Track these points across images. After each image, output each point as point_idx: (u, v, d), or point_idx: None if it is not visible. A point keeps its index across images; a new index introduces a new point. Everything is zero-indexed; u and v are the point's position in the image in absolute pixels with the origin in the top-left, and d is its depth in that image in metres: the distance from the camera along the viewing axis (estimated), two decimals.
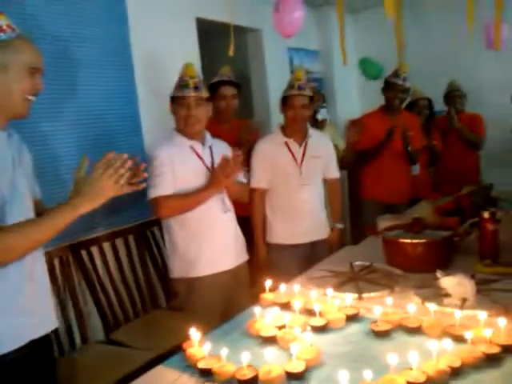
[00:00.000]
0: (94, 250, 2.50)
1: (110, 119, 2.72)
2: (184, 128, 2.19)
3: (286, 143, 2.67)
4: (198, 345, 1.39)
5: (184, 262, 2.23)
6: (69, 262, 2.36)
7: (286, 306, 1.68)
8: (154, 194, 2.13)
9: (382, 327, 1.47)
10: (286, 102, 2.63)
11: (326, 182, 2.85)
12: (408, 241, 1.98)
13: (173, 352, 1.47)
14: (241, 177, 2.39)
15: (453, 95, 3.97)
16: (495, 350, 1.27)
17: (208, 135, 2.29)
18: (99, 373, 1.99)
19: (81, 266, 2.43)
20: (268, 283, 1.77)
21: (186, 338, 1.43)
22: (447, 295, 1.65)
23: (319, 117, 3.86)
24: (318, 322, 1.53)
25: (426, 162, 3.71)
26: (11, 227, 1.28)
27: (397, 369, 1.18)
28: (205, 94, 2.21)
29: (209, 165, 2.23)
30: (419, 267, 1.92)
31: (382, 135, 3.28)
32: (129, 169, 1.38)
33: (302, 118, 2.62)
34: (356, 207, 3.55)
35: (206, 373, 1.30)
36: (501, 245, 2.00)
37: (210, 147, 2.28)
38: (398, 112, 3.39)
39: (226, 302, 2.23)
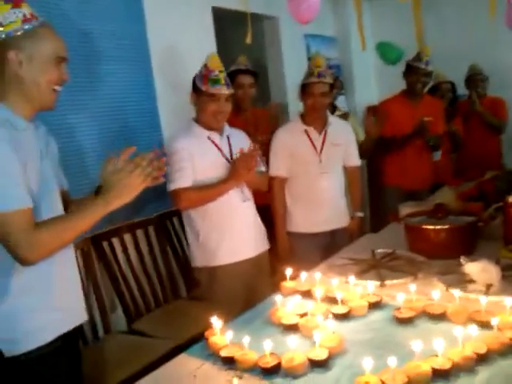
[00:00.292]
0: (115, 241, 2.51)
1: (129, 114, 2.72)
2: (212, 123, 2.19)
3: (306, 131, 2.64)
4: (220, 333, 1.39)
5: (205, 251, 2.24)
6: (90, 254, 2.38)
7: (307, 294, 1.67)
8: (173, 186, 2.13)
9: (405, 314, 1.45)
10: (305, 89, 2.59)
11: (345, 169, 2.81)
12: (431, 227, 1.95)
13: (194, 341, 1.48)
14: (260, 166, 2.37)
15: (474, 79, 3.87)
16: None
17: (226, 125, 2.28)
18: (122, 362, 2.01)
19: (102, 257, 2.45)
20: (288, 271, 1.77)
21: (208, 326, 1.43)
22: (471, 281, 1.62)
23: (340, 107, 3.79)
24: (341, 309, 1.52)
25: (448, 147, 3.64)
26: (44, 224, 1.27)
27: (421, 356, 1.17)
28: (232, 89, 2.21)
29: (227, 155, 2.23)
30: (442, 254, 1.89)
31: (404, 120, 3.23)
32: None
33: (322, 106, 2.59)
34: (376, 195, 3.51)
35: (229, 361, 1.30)
36: None
37: (228, 137, 2.27)
38: (420, 96, 3.32)
39: (248, 291, 2.24)
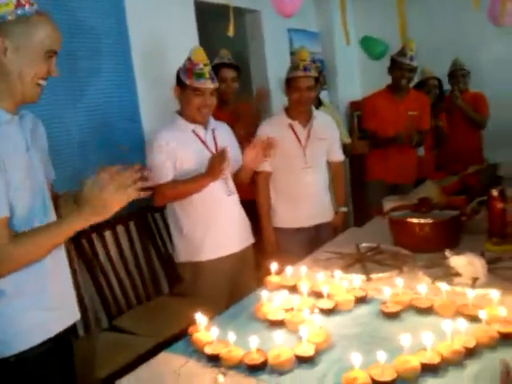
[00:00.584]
0: (95, 237, 2.46)
1: (108, 107, 2.66)
2: (196, 117, 2.15)
3: (291, 125, 2.61)
4: (205, 329, 1.36)
5: (189, 246, 2.20)
6: (69, 251, 2.31)
7: (292, 289, 1.64)
8: (161, 180, 2.09)
9: (391, 308, 1.44)
10: (290, 83, 2.56)
11: (329, 165, 2.79)
12: (416, 221, 1.94)
13: (177, 338, 1.44)
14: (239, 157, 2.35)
15: (456, 74, 3.89)
16: (511, 328, 1.24)
17: (211, 118, 2.24)
18: (104, 360, 1.96)
19: (82, 254, 2.39)
20: (273, 266, 1.74)
21: (192, 323, 1.39)
22: (457, 275, 1.61)
23: (325, 102, 3.76)
24: (327, 304, 1.50)
25: (431, 142, 3.66)
26: (18, 239, 1.19)
27: (409, 350, 1.15)
28: (217, 83, 2.17)
29: (212, 148, 2.19)
30: (427, 247, 1.89)
31: (388, 115, 3.25)
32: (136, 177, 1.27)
33: (308, 100, 2.56)
34: (359, 190, 3.51)
35: (214, 358, 1.26)
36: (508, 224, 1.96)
37: (213, 130, 2.23)
38: (405, 91, 3.32)
39: (232, 286, 2.21)
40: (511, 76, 4.15)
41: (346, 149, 3.17)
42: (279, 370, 1.20)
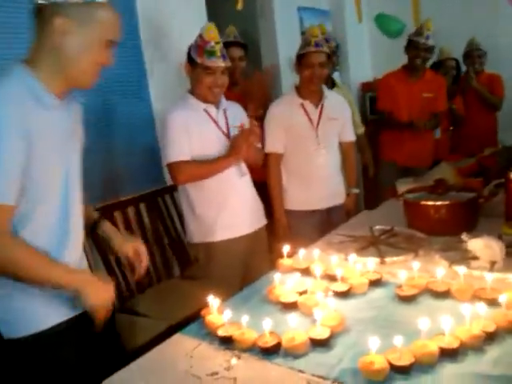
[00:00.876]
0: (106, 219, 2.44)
1: (116, 86, 2.61)
2: (208, 96, 2.11)
3: (302, 105, 2.55)
4: (217, 312, 1.34)
5: (201, 227, 2.18)
6: None
7: (305, 272, 1.62)
8: (172, 158, 2.06)
9: (407, 292, 1.41)
10: (301, 60, 2.49)
11: (340, 145, 2.74)
12: (432, 203, 1.90)
13: (189, 321, 1.42)
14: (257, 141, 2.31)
15: (472, 54, 3.79)
16: None
17: (223, 98, 2.20)
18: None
19: (92, 235, 2.38)
20: (286, 249, 1.71)
21: (204, 305, 1.38)
22: (474, 258, 1.57)
23: (339, 83, 3.69)
24: (341, 287, 1.47)
25: (448, 124, 3.59)
26: (20, 246, 1.16)
27: (426, 334, 1.12)
28: (229, 61, 2.13)
29: (223, 128, 2.16)
30: (443, 230, 1.85)
31: (401, 96, 3.19)
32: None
33: (320, 77, 2.49)
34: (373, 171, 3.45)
35: (227, 340, 1.25)
36: None
37: (225, 110, 2.19)
38: (421, 72, 3.25)
39: (245, 268, 2.19)
40: None
41: (359, 140, 3.12)
42: (293, 354, 1.18)
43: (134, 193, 2.59)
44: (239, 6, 2.25)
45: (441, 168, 2.55)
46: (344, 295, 1.45)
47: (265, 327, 1.21)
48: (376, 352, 1.08)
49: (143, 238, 2.60)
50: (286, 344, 1.19)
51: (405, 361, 1.06)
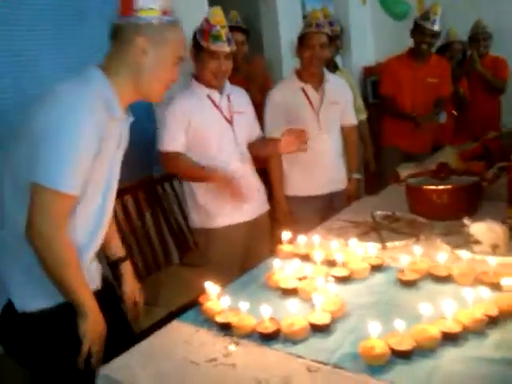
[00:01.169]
0: None
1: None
2: (212, 81, 2.08)
3: (303, 89, 2.51)
4: (216, 298, 1.33)
5: (202, 214, 2.16)
6: None
7: (305, 258, 1.60)
8: (163, 147, 2.05)
9: (409, 276, 1.39)
10: (302, 41, 2.45)
11: (342, 129, 2.70)
12: (433, 187, 1.87)
13: (189, 307, 1.41)
14: (258, 129, 2.31)
15: (477, 37, 3.72)
16: None
17: (227, 83, 2.17)
18: None
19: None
20: (286, 235, 1.69)
21: (203, 292, 1.36)
22: (476, 242, 1.55)
23: (341, 67, 3.63)
24: (341, 272, 1.45)
25: (453, 108, 3.55)
26: (69, 247, 1.23)
27: (428, 318, 1.11)
28: (234, 46, 2.09)
29: (226, 114, 2.12)
30: (445, 215, 1.82)
31: (404, 81, 3.15)
32: None
33: (321, 58, 2.44)
34: (374, 156, 3.41)
35: (225, 327, 1.23)
36: None
37: (228, 96, 2.16)
38: (426, 57, 3.19)
39: (246, 255, 2.17)
40: None
41: (360, 127, 3.07)
42: (293, 339, 1.16)
43: (132, 181, 2.57)
44: None
45: (444, 152, 2.51)
46: (344, 280, 1.44)
47: (264, 313, 1.20)
48: (377, 337, 1.07)
49: (142, 225, 2.58)
50: (285, 330, 1.17)
51: (406, 345, 1.05)
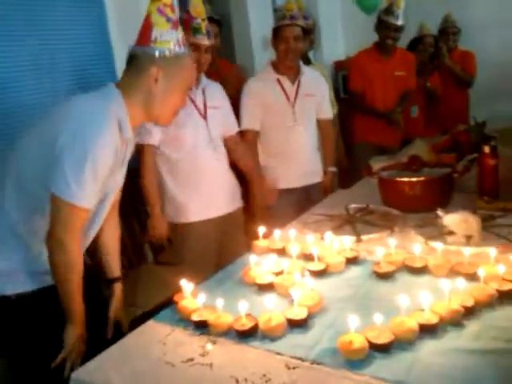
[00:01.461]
0: None
1: (78, 62, 2.47)
2: None
3: (279, 80, 2.49)
4: (191, 296, 1.29)
5: (173, 208, 2.13)
6: None
7: (281, 252, 1.59)
8: (145, 140, 2.01)
9: (385, 268, 1.39)
10: (277, 33, 2.43)
11: (318, 123, 2.69)
12: (406, 179, 1.88)
13: (164, 307, 1.37)
14: (234, 125, 2.28)
15: (446, 31, 3.77)
16: (509, 286, 1.20)
17: (203, 77, 2.13)
18: None
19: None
20: (261, 230, 1.67)
21: (179, 290, 1.33)
22: (450, 233, 1.56)
23: (314, 62, 3.61)
24: (317, 266, 1.44)
25: (423, 102, 3.59)
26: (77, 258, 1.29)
27: (405, 311, 1.10)
28: (213, 39, 2.07)
29: (200, 108, 2.09)
30: (418, 207, 1.84)
31: (374, 75, 3.16)
32: None
33: (295, 51, 2.43)
34: (346, 153, 3.42)
35: (201, 325, 1.21)
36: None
37: (203, 89, 2.12)
38: (392, 51, 3.21)
39: (221, 252, 2.15)
40: (499, 34, 4.07)
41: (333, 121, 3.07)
42: (271, 336, 1.14)
43: None
44: None
45: (415, 145, 2.53)
46: (321, 274, 1.43)
47: (241, 310, 1.17)
48: (355, 331, 1.06)
49: None
50: (262, 326, 1.15)
51: (384, 339, 1.04)
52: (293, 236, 1.62)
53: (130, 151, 1.45)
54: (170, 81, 1.35)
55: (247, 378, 1.02)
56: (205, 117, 2.10)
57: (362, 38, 3.35)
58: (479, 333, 1.07)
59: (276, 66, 2.51)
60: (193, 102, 2.07)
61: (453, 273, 1.32)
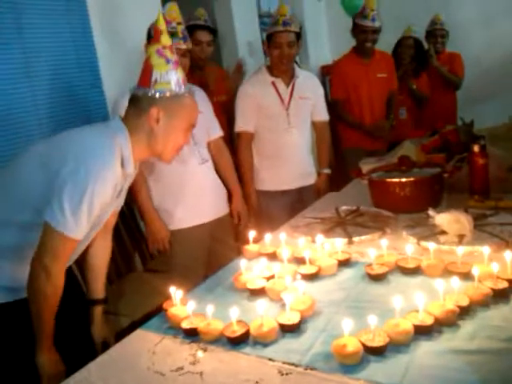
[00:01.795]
0: None
1: (64, 70, 2.45)
2: None
3: (273, 83, 2.49)
4: (180, 304, 1.26)
5: (162, 214, 2.09)
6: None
7: (272, 257, 1.56)
8: None
9: (377, 270, 1.37)
10: (271, 40, 2.43)
11: (314, 125, 2.69)
12: (396, 180, 1.87)
13: (154, 315, 1.34)
14: (217, 129, 2.26)
15: (435, 34, 3.77)
16: (504, 285, 1.18)
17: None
18: None
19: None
20: (251, 234, 1.65)
21: (168, 298, 1.29)
22: (442, 233, 1.55)
23: (302, 65, 3.60)
24: (309, 269, 1.42)
25: (411, 104, 3.59)
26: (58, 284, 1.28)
27: (400, 312, 1.08)
28: (190, 43, 2.05)
29: None
30: (409, 207, 1.83)
31: (358, 79, 3.14)
32: None
33: (289, 56, 2.43)
34: (336, 157, 3.39)
35: (192, 333, 1.17)
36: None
37: None
38: (371, 53, 3.21)
39: (211, 258, 2.12)
40: (484, 35, 4.10)
41: None
42: (263, 342, 1.12)
43: None
44: None
45: (404, 146, 2.53)
46: (313, 277, 1.40)
47: (232, 316, 1.14)
48: (349, 334, 1.03)
49: None
50: (254, 332, 1.12)
51: (379, 342, 1.02)
52: (283, 240, 1.60)
53: (128, 183, 1.46)
54: (171, 120, 1.36)
55: None
56: None
57: (348, 42, 3.34)
58: (474, 333, 1.05)
59: (271, 70, 2.52)
60: None
61: (446, 273, 1.30)
